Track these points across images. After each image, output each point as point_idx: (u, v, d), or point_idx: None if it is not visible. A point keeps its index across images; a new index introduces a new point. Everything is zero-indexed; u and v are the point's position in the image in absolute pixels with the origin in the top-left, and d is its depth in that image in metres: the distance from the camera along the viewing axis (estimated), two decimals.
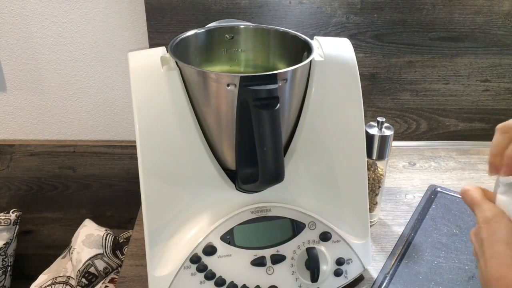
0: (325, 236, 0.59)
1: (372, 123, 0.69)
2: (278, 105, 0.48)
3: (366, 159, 0.61)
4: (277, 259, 0.57)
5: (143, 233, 0.54)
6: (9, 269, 1.07)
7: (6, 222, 1.05)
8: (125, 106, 1.05)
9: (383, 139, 0.68)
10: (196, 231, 0.56)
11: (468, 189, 0.49)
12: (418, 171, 0.91)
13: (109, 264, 0.99)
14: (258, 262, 0.57)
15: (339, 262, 0.60)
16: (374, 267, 0.67)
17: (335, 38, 0.61)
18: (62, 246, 1.12)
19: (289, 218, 0.58)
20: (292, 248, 0.58)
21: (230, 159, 0.56)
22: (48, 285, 0.99)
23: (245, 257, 0.57)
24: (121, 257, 1.01)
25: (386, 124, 0.68)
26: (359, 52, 0.94)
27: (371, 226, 0.75)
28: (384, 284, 0.64)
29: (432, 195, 0.82)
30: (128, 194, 1.12)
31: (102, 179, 1.10)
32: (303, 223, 0.58)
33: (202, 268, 0.55)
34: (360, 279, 0.64)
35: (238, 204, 0.57)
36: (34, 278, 1.01)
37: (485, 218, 0.46)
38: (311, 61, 0.55)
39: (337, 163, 0.60)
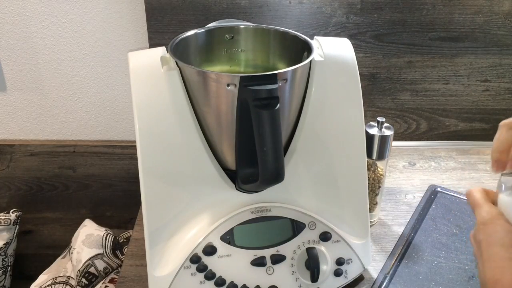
0: (325, 236, 0.59)
1: (372, 123, 0.69)
2: (278, 105, 0.48)
3: (366, 159, 0.61)
4: (277, 259, 0.57)
5: (143, 233, 0.54)
6: (9, 269, 1.07)
7: (6, 222, 1.05)
8: (125, 106, 1.05)
9: (383, 139, 0.68)
10: (196, 231, 0.56)
11: (471, 191, 0.49)
12: (418, 171, 0.91)
13: (109, 264, 0.99)
14: (258, 262, 0.57)
15: (339, 262, 0.60)
16: (374, 267, 0.67)
17: (335, 38, 0.61)
18: (62, 246, 1.12)
19: (289, 218, 0.58)
20: (292, 248, 0.58)
21: (230, 159, 0.56)
22: (48, 285, 0.99)
23: (245, 257, 0.57)
24: (121, 257, 1.01)
25: (386, 124, 0.68)
26: (359, 52, 0.94)
27: (371, 226, 0.75)
28: (384, 284, 0.64)
29: (432, 195, 0.82)
30: (128, 194, 1.12)
31: (102, 179, 1.10)
32: (303, 223, 0.58)
33: (202, 268, 0.55)
34: (360, 279, 0.64)
35: (238, 204, 0.57)
36: (34, 278, 1.01)
37: (483, 219, 0.46)
38: (311, 61, 0.55)
39: (337, 163, 0.60)
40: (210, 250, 0.55)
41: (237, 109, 0.51)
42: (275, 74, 0.49)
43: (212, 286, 0.56)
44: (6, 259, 1.06)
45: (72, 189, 1.11)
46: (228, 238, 0.56)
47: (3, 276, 1.06)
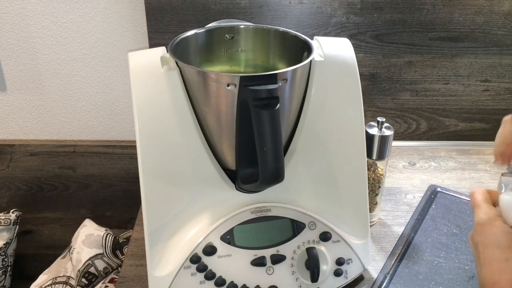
0: (325, 236, 0.59)
1: (372, 123, 0.69)
2: (278, 105, 0.48)
3: (366, 159, 0.61)
4: (277, 259, 0.57)
5: (143, 233, 0.54)
6: (9, 269, 1.07)
7: (6, 222, 1.05)
8: (125, 106, 1.05)
9: (383, 139, 0.68)
10: (196, 231, 0.56)
11: (474, 192, 0.49)
12: (418, 171, 0.91)
13: (109, 264, 0.99)
14: (258, 262, 0.57)
15: (339, 262, 0.60)
16: (374, 267, 0.67)
17: (335, 38, 0.61)
18: (62, 246, 1.12)
19: (289, 218, 0.58)
20: (292, 248, 0.58)
21: (230, 159, 0.56)
22: (48, 285, 0.99)
23: (245, 257, 0.57)
24: (121, 257, 1.01)
25: (386, 124, 0.68)
26: (359, 52, 0.94)
27: (371, 226, 0.75)
28: (384, 284, 0.64)
29: (432, 195, 0.82)
30: (128, 194, 1.12)
31: (102, 179, 1.10)
32: (303, 223, 0.58)
33: (202, 268, 0.55)
34: (360, 279, 0.64)
35: (238, 204, 0.57)
36: (34, 278, 1.01)
37: (480, 220, 0.46)
38: (311, 61, 0.55)
39: (337, 163, 0.60)
40: (210, 250, 0.55)
41: (237, 109, 0.51)
42: (275, 74, 0.49)
43: (212, 286, 0.56)
44: (6, 259, 1.06)
45: (72, 189, 1.11)
46: (228, 238, 0.56)
47: (3, 276, 1.06)
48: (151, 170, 0.53)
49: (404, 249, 0.70)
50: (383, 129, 0.68)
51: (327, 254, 0.59)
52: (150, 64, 0.53)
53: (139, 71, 0.53)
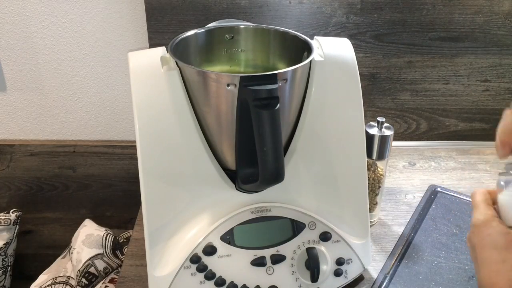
0: (325, 236, 0.59)
1: (372, 123, 0.69)
2: (278, 105, 0.48)
3: (366, 159, 0.61)
4: (277, 259, 0.57)
5: (143, 233, 0.54)
6: (9, 269, 1.07)
7: (6, 222, 1.05)
8: (125, 106, 1.05)
9: (383, 139, 0.68)
10: (196, 231, 0.56)
11: (474, 192, 0.49)
12: (418, 171, 0.91)
13: (109, 264, 0.99)
14: (258, 262, 0.57)
15: (339, 262, 0.60)
16: (374, 267, 0.67)
17: (335, 38, 0.61)
18: (62, 246, 1.12)
19: (289, 218, 0.58)
20: (292, 248, 0.58)
21: (230, 159, 0.56)
22: (48, 285, 0.99)
23: (245, 257, 0.57)
24: (121, 257, 1.01)
25: (386, 124, 0.68)
26: (359, 52, 0.94)
27: (371, 226, 0.75)
28: (384, 284, 0.64)
29: (432, 195, 0.82)
30: (128, 194, 1.12)
31: (102, 179, 1.10)
32: (303, 223, 0.58)
33: (202, 268, 0.55)
34: (360, 279, 0.64)
35: (238, 204, 0.57)
36: (34, 278, 1.01)
37: (477, 221, 0.46)
38: (311, 61, 0.55)
39: (337, 163, 0.60)
40: (210, 250, 0.55)
41: (237, 109, 0.51)
42: (275, 74, 0.49)
43: (212, 286, 0.56)
44: (6, 259, 1.06)
45: (72, 189, 1.11)
46: (228, 238, 0.56)
47: (3, 276, 1.06)
48: (151, 170, 0.53)
49: (404, 249, 0.70)
50: (383, 129, 0.68)
51: (327, 254, 0.59)
52: (150, 64, 0.54)
53: (139, 71, 0.53)
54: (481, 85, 0.99)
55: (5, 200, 1.12)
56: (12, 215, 1.06)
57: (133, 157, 1.07)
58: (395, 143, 0.99)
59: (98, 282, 0.98)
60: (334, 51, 0.58)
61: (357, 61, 0.59)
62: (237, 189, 0.57)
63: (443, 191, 0.83)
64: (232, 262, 0.56)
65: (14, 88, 1.02)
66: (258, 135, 0.48)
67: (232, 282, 0.56)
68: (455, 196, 0.81)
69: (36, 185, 1.11)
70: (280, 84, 0.50)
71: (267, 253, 0.57)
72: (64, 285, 0.99)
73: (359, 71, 0.59)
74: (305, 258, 0.58)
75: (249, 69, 0.65)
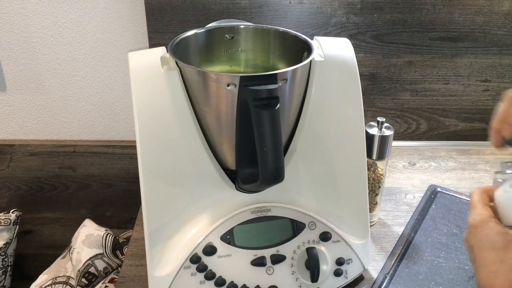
0: (325, 236, 0.59)
1: (372, 123, 0.69)
2: (278, 105, 0.48)
3: (366, 159, 0.61)
4: (277, 259, 0.57)
5: (143, 233, 0.54)
6: (9, 269, 1.07)
7: (6, 222, 1.05)
8: (125, 106, 1.05)
9: (383, 139, 0.68)
10: (196, 231, 0.56)
11: (472, 192, 0.49)
12: (418, 171, 0.91)
13: (109, 264, 0.99)
14: (258, 262, 0.57)
15: (339, 262, 0.60)
16: (374, 267, 0.67)
17: (335, 38, 0.61)
18: (62, 246, 1.12)
19: (289, 218, 0.58)
20: (292, 248, 0.58)
21: (230, 159, 0.56)
22: (48, 285, 0.99)
23: (245, 257, 0.57)
24: (121, 257, 1.01)
25: (386, 124, 0.68)
26: (359, 52, 0.94)
27: (371, 226, 0.75)
28: (384, 284, 0.64)
29: (432, 195, 0.82)
30: (128, 194, 1.12)
31: (102, 179, 1.10)
32: (303, 223, 0.58)
33: (202, 268, 0.55)
34: (360, 279, 0.64)
35: (238, 204, 0.57)
36: (34, 278, 1.01)
37: (474, 222, 0.46)
38: (311, 61, 0.55)
39: (337, 163, 0.60)
40: (210, 250, 0.55)
41: (237, 109, 0.51)
42: (275, 74, 0.49)
43: (212, 286, 0.56)
44: (6, 259, 1.06)
45: (72, 189, 1.11)
46: (228, 238, 0.56)
47: (3, 276, 1.06)
48: (151, 170, 0.53)
49: (404, 249, 0.70)
50: (383, 129, 0.68)
51: (327, 254, 0.59)
52: (150, 64, 0.53)
53: (139, 71, 0.53)
54: (481, 85, 0.99)
55: (5, 200, 1.12)
56: (12, 215, 1.06)
57: (133, 157, 1.07)
58: (395, 143, 0.99)
59: (98, 282, 0.98)
60: (334, 51, 0.58)
61: (357, 61, 0.59)
62: (237, 189, 0.57)
63: (443, 191, 0.83)
64: (232, 262, 0.56)
65: (14, 88, 1.02)
66: (258, 135, 0.48)
67: (232, 282, 0.56)
68: (455, 196, 0.81)
69: (36, 185, 1.11)
70: (280, 84, 0.50)
71: (267, 253, 0.57)
72: (64, 285, 0.99)
73: (359, 71, 0.59)
74: (305, 258, 0.58)
75: (249, 69, 0.65)
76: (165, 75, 0.53)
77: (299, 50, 0.59)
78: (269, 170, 0.49)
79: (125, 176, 1.09)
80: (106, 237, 1.01)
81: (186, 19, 0.91)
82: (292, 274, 0.58)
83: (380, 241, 0.72)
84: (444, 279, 0.65)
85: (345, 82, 0.59)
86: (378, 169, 0.71)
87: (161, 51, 0.56)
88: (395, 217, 0.78)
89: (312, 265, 0.57)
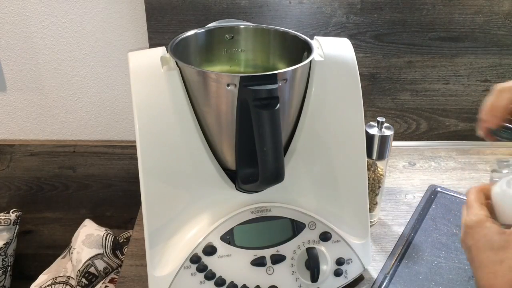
0: (325, 236, 0.59)
1: (372, 123, 0.69)
2: (278, 105, 0.48)
3: (366, 159, 0.61)
4: (277, 259, 0.57)
5: (143, 233, 0.54)
6: (9, 269, 1.07)
7: (6, 222, 1.05)
8: (125, 106, 1.05)
9: (383, 139, 0.68)
10: (196, 231, 0.56)
11: (469, 191, 0.49)
12: (418, 171, 0.91)
13: (109, 264, 0.99)
14: (258, 262, 0.57)
15: (339, 262, 0.60)
16: (374, 267, 0.67)
17: (335, 38, 0.61)
18: (62, 246, 1.12)
19: (289, 218, 0.58)
20: (292, 248, 0.58)
21: (230, 159, 0.56)
22: (48, 285, 0.99)
23: (245, 257, 0.57)
24: (121, 257, 1.01)
25: (386, 124, 0.68)
26: (359, 52, 0.94)
27: (371, 226, 0.75)
28: (384, 284, 0.64)
29: (432, 195, 0.82)
30: (128, 194, 1.12)
31: (102, 179, 1.10)
32: (303, 223, 0.58)
33: (202, 268, 0.55)
34: (360, 279, 0.64)
35: (238, 204, 0.57)
36: (34, 278, 1.01)
37: (470, 222, 0.46)
38: (311, 61, 0.55)
39: (337, 163, 0.60)
40: (210, 250, 0.55)
41: (237, 109, 0.51)
42: (275, 74, 0.49)
43: (212, 286, 0.56)
44: (6, 259, 1.06)
45: (72, 189, 1.11)
46: (228, 238, 0.56)
47: (3, 276, 1.06)
48: (151, 170, 0.53)
49: (404, 249, 0.70)
50: (383, 129, 0.68)
51: (327, 254, 0.59)
52: (150, 64, 0.53)
53: (139, 71, 0.53)
54: (481, 85, 0.99)
55: (5, 200, 1.12)
56: (12, 215, 1.06)
57: (133, 157, 1.07)
58: (395, 143, 0.99)
59: (98, 282, 0.98)
60: (334, 51, 0.58)
61: (357, 61, 0.59)
62: (237, 189, 0.57)
63: (443, 191, 0.83)
64: (232, 262, 0.56)
65: (14, 88, 1.02)
66: (258, 135, 0.48)
67: (232, 282, 0.56)
68: (455, 196, 0.81)
69: (36, 185, 1.11)
70: (280, 84, 0.50)
71: (267, 253, 0.57)
72: (64, 285, 0.99)
73: (359, 71, 0.59)
74: (305, 258, 0.58)
75: (249, 69, 0.65)
76: (165, 75, 0.53)
77: (299, 50, 0.59)
78: (269, 170, 0.49)
79: (125, 176, 1.09)
80: (106, 237, 1.01)
81: (186, 19, 0.91)
82: (292, 274, 0.58)
83: (380, 241, 0.72)
84: (444, 279, 0.65)
85: (345, 82, 0.59)
86: (378, 169, 0.71)
87: (161, 51, 0.56)
88: (395, 217, 0.78)
89: (312, 265, 0.57)
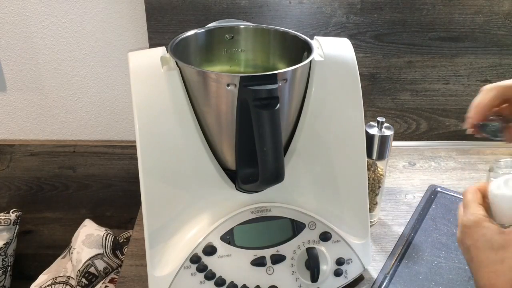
0: (325, 236, 0.59)
1: (372, 123, 0.69)
2: (278, 105, 0.48)
3: (366, 159, 0.61)
4: (277, 259, 0.57)
5: (143, 233, 0.54)
6: (9, 269, 1.07)
7: (6, 222, 1.05)
8: (125, 106, 1.05)
9: (383, 139, 0.68)
10: (196, 231, 0.56)
11: (466, 191, 0.49)
12: (418, 171, 0.91)
13: (109, 264, 0.99)
14: (258, 262, 0.57)
15: (339, 262, 0.60)
16: (374, 267, 0.67)
17: (335, 38, 0.61)
18: (62, 246, 1.12)
19: (289, 218, 0.58)
20: (292, 248, 0.58)
21: (230, 159, 0.56)
22: (48, 285, 0.99)
23: (245, 257, 0.57)
24: (121, 257, 1.01)
25: (386, 124, 0.68)
26: (359, 52, 0.94)
27: (371, 226, 0.75)
28: (384, 284, 0.64)
29: (432, 195, 0.82)
30: (128, 194, 1.12)
31: (102, 179, 1.10)
32: (303, 223, 0.58)
33: (202, 268, 0.55)
34: (360, 279, 0.64)
35: (238, 204, 0.57)
36: (34, 278, 1.01)
37: (467, 222, 0.45)
38: (311, 61, 0.55)
39: (337, 163, 0.60)
40: (210, 250, 0.55)
41: (237, 109, 0.51)
42: (275, 74, 0.49)
43: (212, 286, 0.56)
44: (6, 259, 1.06)
45: (72, 189, 1.11)
46: (228, 238, 0.56)
47: (3, 276, 1.06)
48: (151, 170, 0.53)
49: (404, 249, 0.70)
50: (383, 129, 0.68)
51: (327, 254, 0.59)
52: (150, 64, 0.54)
53: (139, 71, 0.53)
54: (481, 85, 0.98)
55: (5, 200, 1.12)
56: (12, 215, 1.06)
57: (133, 157, 1.07)
58: (395, 143, 0.99)
59: (98, 282, 0.98)
60: (334, 51, 0.58)
61: (357, 61, 0.59)
62: (237, 189, 0.57)
63: (443, 191, 0.83)
64: (232, 262, 0.56)
65: (14, 88, 1.02)
66: (258, 135, 0.48)
67: (232, 282, 0.56)
68: (455, 196, 0.81)
69: (36, 185, 1.11)
70: (280, 84, 0.50)
71: (267, 253, 0.57)
72: (64, 285, 0.99)
73: (359, 71, 0.59)
74: (305, 258, 0.58)
75: (249, 69, 0.65)
76: (165, 75, 0.53)
77: (299, 50, 0.59)
78: (269, 170, 0.49)
79: (125, 176, 1.09)
80: (106, 237, 1.01)
81: (186, 19, 0.91)
82: (292, 274, 0.58)
83: (380, 241, 0.72)
84: (444, 279, 0.65)
85: (345, 82, 0.59)
86: (378, 169, 0.71)
87: (161, 51, 0.56)
88: (395, 217, 0.78)
89: (312, 265, 0.57)
